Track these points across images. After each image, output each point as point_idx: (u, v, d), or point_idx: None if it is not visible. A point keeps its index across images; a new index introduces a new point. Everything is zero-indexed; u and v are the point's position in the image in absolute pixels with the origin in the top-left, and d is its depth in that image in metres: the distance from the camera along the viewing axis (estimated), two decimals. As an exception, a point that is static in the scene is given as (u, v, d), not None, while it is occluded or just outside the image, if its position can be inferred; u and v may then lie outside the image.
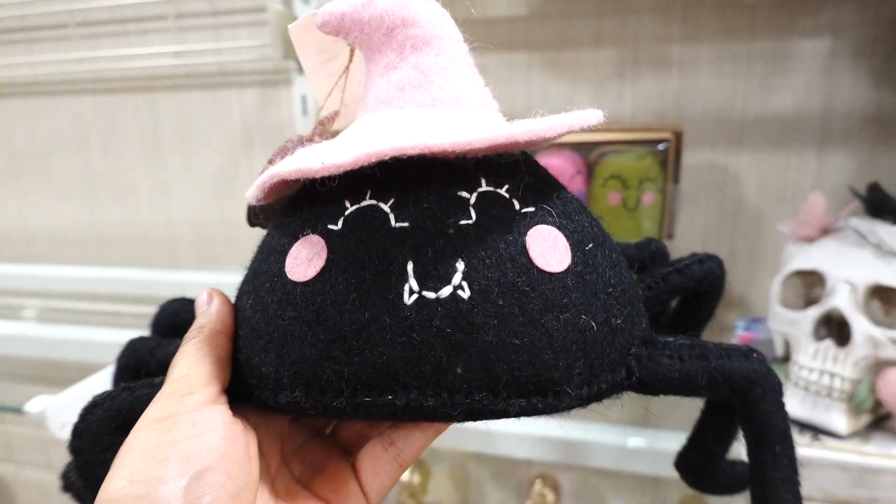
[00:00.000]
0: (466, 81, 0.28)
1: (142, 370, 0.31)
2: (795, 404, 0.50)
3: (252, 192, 0.28)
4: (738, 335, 0.67)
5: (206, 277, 0.96)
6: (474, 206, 0.25)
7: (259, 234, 0.32)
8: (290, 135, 0.56)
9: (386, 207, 0.25)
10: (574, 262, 0.25)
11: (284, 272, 0.25)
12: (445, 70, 0.28)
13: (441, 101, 0.27)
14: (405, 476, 0.91)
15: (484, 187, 0.26)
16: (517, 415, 0.24)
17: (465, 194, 0.25)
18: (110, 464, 0.23)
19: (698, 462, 0.33)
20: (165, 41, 0.95)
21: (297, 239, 0.26)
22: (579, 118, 0.28)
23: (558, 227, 0.26)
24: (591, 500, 0.90)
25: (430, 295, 0.23)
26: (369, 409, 0.24)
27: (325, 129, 0.33)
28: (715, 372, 0.27)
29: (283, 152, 0.30)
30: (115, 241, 1.08)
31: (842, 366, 0.48)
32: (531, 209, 0.26)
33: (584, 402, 0.25)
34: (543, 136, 0.26)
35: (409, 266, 0.24)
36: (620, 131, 0.68)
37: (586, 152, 0.67)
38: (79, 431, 0.27)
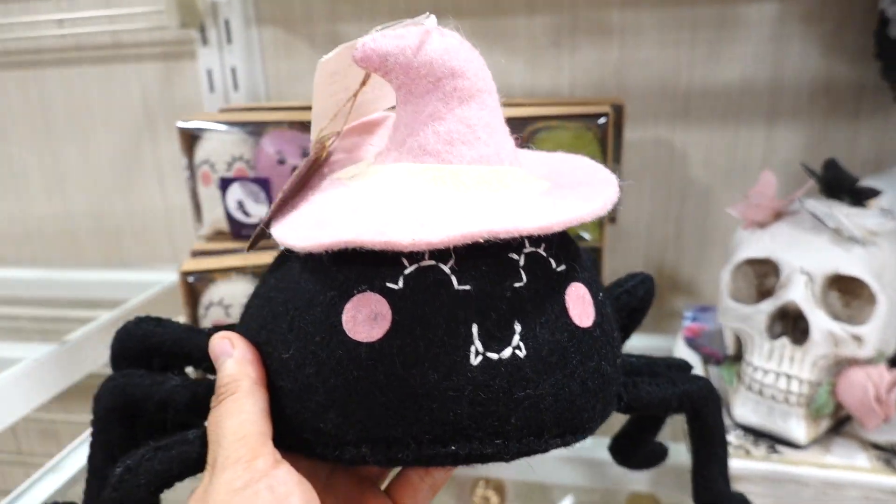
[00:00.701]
0: (504, 137, 0.30)
1: (132, 414, 0.30)
2: (748, 411, 0.44)
3: (305, 241, 0.26)
4: (686, 326, 0.62)
5: (113, 276, 0.86)
6: (524, 267, 0.27)
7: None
8: (196, 114, 0.51)
9: (447, 269, 0.26)
10: (597, 316, 0.29)
11: (343, 330, 0.25)
12: (489, 125, 0.28)
13: (486, 158, 0.28)
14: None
15: (528, 248, 0.27)
16: (552, 449, 0.27)
17: (514, 256, 0.27)
18: None
19: (629, 447, 0.40)
20: (49, 9, 0.83)
21: (350, 295, 0.26)
22: (609, 183, 0.30)
23: (584, 283, 0.29)
24: (537, 502, 0.85)
25: (494, 356, 0.25)
26: (433, 459, 0.26)
27: (325, 148, 0.33)
28: (682, 395, 0.33)
29: (300, 181, 0.31)
30: (5, 238, 0.96)
31: (799, 367, 0.43)
32: (564, 267, 0.28)
33: (596, 429, 0.29)
34: (600, 214, 0.27)
35: (474, 329, 0.25)
36: (555, 105, 0.61)
37: (518, 129, 0.60)
38: (119, 500, 0.27)
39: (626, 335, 0.38)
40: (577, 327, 0.27)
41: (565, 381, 0.27)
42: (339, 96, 0.32)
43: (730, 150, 0.74)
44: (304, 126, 0.62)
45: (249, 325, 0.29)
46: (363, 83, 0.31)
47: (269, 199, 0.62)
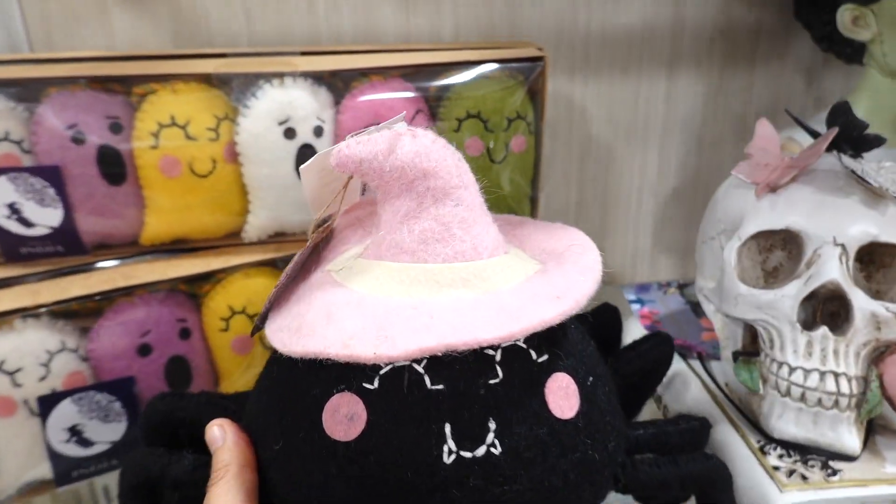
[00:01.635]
0: (482, 229, 0.31)
1: (153, 488, 0.32)
2: (788, 424, 0.35)
3: (283, 347, 0.29)
4: (637, 311, 0.52)
5: None
6: (500, 363, 0.27)
7: None
8: None
9: (420, 368, 0.27)
10: (582, 405, 0.29)
11: (322, 428, 0.27)
12: (464, 221, 0.30)
13: (462, 254, 0.29)
14: None
15: (506, 342, 0.28)
16: None
17: (490, 352, 0.27)
18: None
19: None
20: None
21: (330, 394, 0.27)
22: (594, 269, 0.31)
23: (568, 371, 0.29)
24: None
25: (468, 454, 0.26)
26: None
27: (326, 230, 0.34)
28: (685, 477, 0.32)
29: (300, 266, 0.33)
30: None
31: (845, 361, 0.34)
32: (546, 357, 0.28)
33: None
34: (570, 314, 0.28)
35: (447, 428, 0.26)
36: (469, 49, 0.47)
37: (424, 81, 0.45)
38: None
39: (643, 397, 0.39)
40: (558, 420, 0.28)
41: (545, 475, 0.27)
42: (333, 185, 0.33)
43: (631, 105, 0.66)
44: (109, 81, 0.41)
45: (251, 410, 0.32)
46: (350, 176, 0.31)
47: (63, 197, 0.41)
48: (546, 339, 0.29)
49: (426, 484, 0.26)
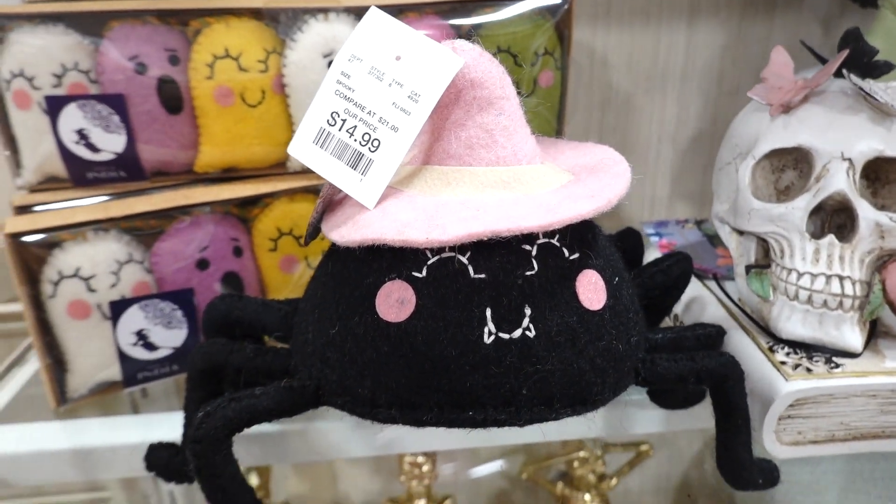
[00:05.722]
0: (522, 138, 0.33)
1: (218, 375, 0.36)
2: (796, 324, 0.38)
3: (342, 238, 0.31)
4: (656, 243, 0.55)
5: None
6: (536, 257, 0.30)
7: None
8: None
9: (465, 259, 0.30)
10: (608, 299, 0.32)
11: (376, 312, 0.30)
12: (506, 129, 0.32)
13: (504, 159, 0.32)
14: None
15: (541, 239, 0.31)
16: (564, 418, 0.31)
17: (527, 247, 0.30)
18: (226, 463, 0.31)
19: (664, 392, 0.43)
20: None
21: (382, 282, 0.30)
22: (624, 175, 0.34)
23: (597, 269, 0.32)
24: (468, 458, 0.77)
25: (505, 336, 0.29)
26: (453, 422, 0.30)
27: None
28: (701, 371, 0.34)
29: (330, 197, 0.35)
30: None
31: (850, 266, 0.37)
32: (577, 255, 0.31)
33: (608, 401, 0.32)
34: (604, 210, 0.31)
35: (488, 312, 0.29)
36: (500, -12, 0.50)
37: (458, 18, 0.48)
38: (198, 438, 0.30)
39: (664, 311, 0.43)
40: (587, 310, 0.31)
41: (574, 358, 0.30)
42: None
43: (652, 54, 0.69)
44: (167, 16, 0.45)
45: (306, 305, 0.35)
46: None
47: (127, 124, 0.44)
48: (578, 239, 0.32)
49: (468, 361, 0.29)
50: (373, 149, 0.31)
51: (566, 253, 0.31)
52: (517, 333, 0.29)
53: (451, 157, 0.32)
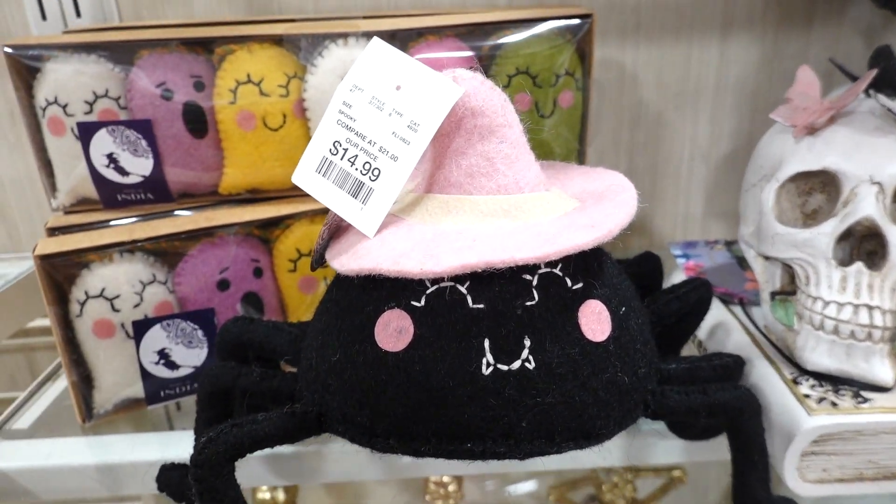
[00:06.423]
0: (525, 165, 0.33)
1: (226, 398, 0.36)
2: (822, 355, 0.37)
3: (342, 267, 0.32)
4: (682, 265, 0.54)
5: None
6: (536, 287, 0.30)
7: None
8: (30, 36, 0.46)
9: (463, 289, 0.29)
10: (613, 330, 0.31)
11: (375, 340, 0.30)
12: (508, 157, 0.32)
13: (504, 187, 0.32)
14: (266, 495, 0.70)
15: (543, 269, 0.30)
16: (566, 452, 0.30)
17: (528, 277, 0.30)
18: (227, 487, 0.31)
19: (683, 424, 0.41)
20: None
21: (382, 310, 0.30)
22: (629, 203, 0.33)
23: (601, 300, 0.31)
24: (493, 478, 0.76)
25: (504, 367, 0.29)
26: (451, 454, 0.29)
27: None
28: (713, 404, 0.33)
29: (336, 224, 0.35)
30: None
31: (879, 295, 0.36)
32: (580, 285, 0.31)
33: (614, 435, 0.31)
34: (604, 241, 0.30)
35: (486, 343, 0.29)
36: (520, 9, 0.50)
37: (477, 41, 0.48)
38: (199, 463, 0.30)
39: (682, 339, 0.42)
40: (589, 342, 0.30)
41: (576, 391, 0.29)
42: None
43: (683, 70, 0.67)
44: (193, 44, 0.46)
45: (312, 331, 0.35)
46: None
47: (154, 148, 0.46)
48: (582, 269, 0.31)
49: (466, 392, 0.28)
50: (373, 178, 0.31)
51: (569, 283, 0.30)
52: (516, 365, 0.29)
53: (452, 186, 0.32)
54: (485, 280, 0.29)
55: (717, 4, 0.65)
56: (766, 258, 0.41)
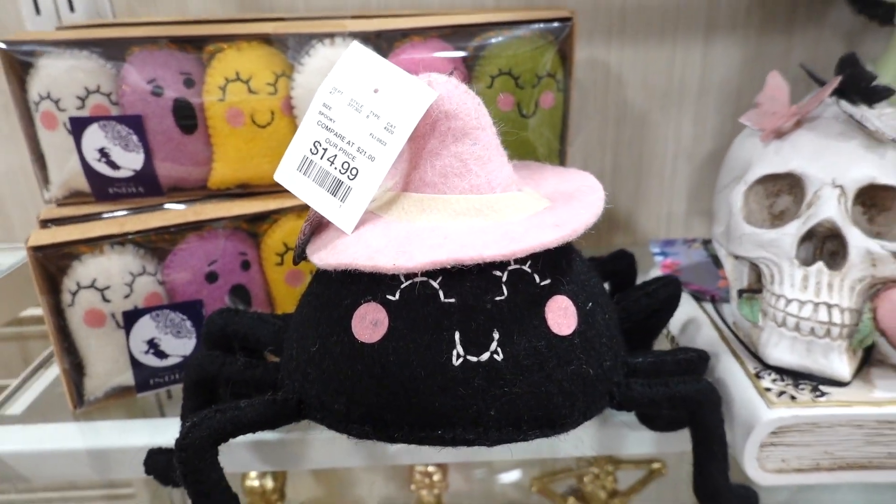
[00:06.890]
0: (497, 166, 0.35)
1: (211, 386, 0.38)
2: (783, 351, 0.38)
3: (321, 262, 0.33)
4: (660, 262, 0.55)
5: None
6: (506, 283, 0.31)
7: None
8: (22, 32, 0.46)
9: (435, 284, 0.31)
10: (579, 325, 0.33)
11: (352, 332, 0.32)
12: (480, 158, 0.34)
13: (477, 188, 0.34)
14: (255, 482, 0.72)
15: (512, 266, 0.32)
16: (532, 439, 0.31)
17: (498, 273, 0.31)
18: (211, 470, 0.33)
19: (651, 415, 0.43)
20: None
21: (358, 304, 0.32)
22: (596, 205, 0.35)
23: (568, 295, 0.33)
24: (479, 468, 0.78)
25: (473, 359, 0.30)
26: (423, 440, 0.31)
27: None
28: (675, 396, 0.35)
29: (317, 221, 0.37)
30: None
31: (839, 294, 0.37)
32: (548, 281, 0.32)
33: (579, 424, 0.33)
34: (569, 240, 0.32)
35: (457, 336, 0.31)
36: (504, 11, 0.51)
37: (461, 42, 0.49)
38: (183, 447, 0.32)
39: (652, 334, 0.44)
40: (556, 335, 0.31)
41: (542, 382, 0.31)
42: None
43: (667, 71, 0.69)
44: (183, 42, 0.47)
45: (295, 319, 0.37)
46: None
47: (145, 143, 0.47)
48: (550, 266, 0.32)
49: (437, 382, 0.30)
50: (352, 177, 0.32)
51: (537, 279, 0.32)
52: (485, 356, 0.30)
53: (426, 185, 0.34)
54: (456, 275, 0.31)
55: (700, 7, 0.66)
56: (736, 257, 0.42)
